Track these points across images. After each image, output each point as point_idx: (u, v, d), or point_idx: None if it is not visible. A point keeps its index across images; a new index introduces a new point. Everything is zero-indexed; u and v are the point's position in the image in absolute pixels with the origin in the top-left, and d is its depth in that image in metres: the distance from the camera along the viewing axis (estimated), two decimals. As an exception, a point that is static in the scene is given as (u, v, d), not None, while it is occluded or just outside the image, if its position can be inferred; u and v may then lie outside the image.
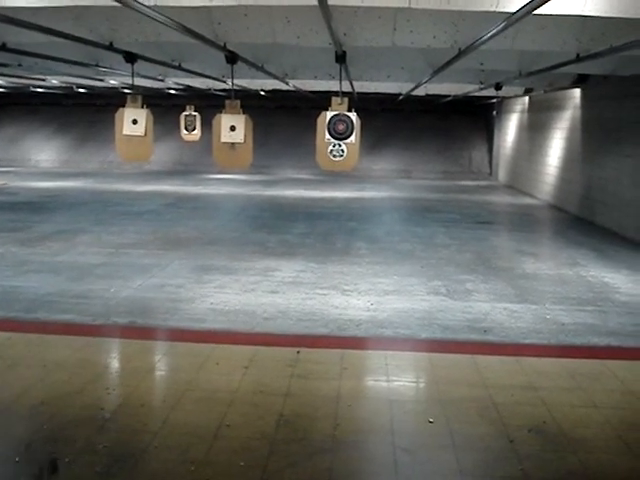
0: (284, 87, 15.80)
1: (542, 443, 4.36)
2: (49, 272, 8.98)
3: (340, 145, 7.78)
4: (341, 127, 7.78)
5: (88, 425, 4.47)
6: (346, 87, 14.14)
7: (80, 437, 4.29)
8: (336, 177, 22.68)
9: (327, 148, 7.81)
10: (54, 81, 16.63)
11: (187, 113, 14.29)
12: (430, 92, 17.16)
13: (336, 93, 8.25)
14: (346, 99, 8.00)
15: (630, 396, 5.12)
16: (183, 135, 14.41)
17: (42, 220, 13.30)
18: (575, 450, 4.27)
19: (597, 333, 6.92)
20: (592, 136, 14.86)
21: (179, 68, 10.76)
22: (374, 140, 24.84)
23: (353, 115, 7.87)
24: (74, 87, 19.56)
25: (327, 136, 7.81)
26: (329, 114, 7.88)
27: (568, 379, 5.44)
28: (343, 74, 9.32)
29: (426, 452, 4.23)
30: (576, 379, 5.43)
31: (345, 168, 7.99)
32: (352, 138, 7.82)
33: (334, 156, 7.79)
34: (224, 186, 20.83)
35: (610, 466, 4.11)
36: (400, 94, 18.76)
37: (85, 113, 27.17)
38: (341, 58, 8.18)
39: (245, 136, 8.28)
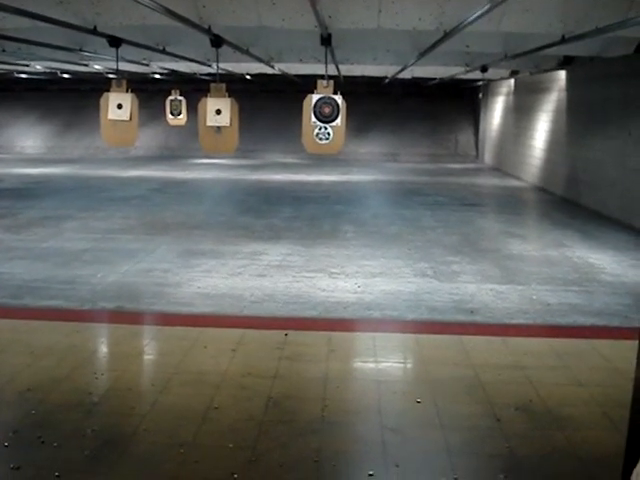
0: (270, 71, 15.73)
1: (528, 421, 4.40)
2: (36, 258, 8.95)
3: (326, 128, 7.76)
4: (327, 110, 7.76)
5: (76, 410, 4.47)
6: (332, 70, 14.10)
7: (68, 422, 4.29)
8: (322, 160, 22.65)
9: (313, 131, 7.79)
10: (38, 67, 16.50)
11: (173, 97, 14.23)
12: (416, 75, 17.14)
13: (322, 76, 8.23)
14: (332, 82, 7.95)
15: (615, 374, 5.17)
16: (169, 120, 14.37)
17: (28, 207, 13.23)
18: (561, 427, 4.31)
19: (582, 313, 6.98)
20: (577, 118, 14.90)
21: (164, 52, 10.68)
22: (360, 123, 24.78)
23: (339, 98, 7.84)
24: (58, 72, 19.42)
25: (313, 119, 7.79)
26: (315, 97, 7.86)
27: (554, 358, 5.49)
28: (329, 57, 9.29)
29: (414, 431, 4.26)
30: (562, 358, 5.48)
31: (331, 151, 7.97)
32: (338, 121, 7.79)
33: (320, 139, 7.78)
34: (210, 171, 20.77)
35: (595, 443, 4.16)
36: (386, 77, 18.73)
37: (70, 99, 26.92)
38: (326, 41, 8.15)
39: (231, 120, 8.25)
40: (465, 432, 4.26)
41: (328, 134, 7.79)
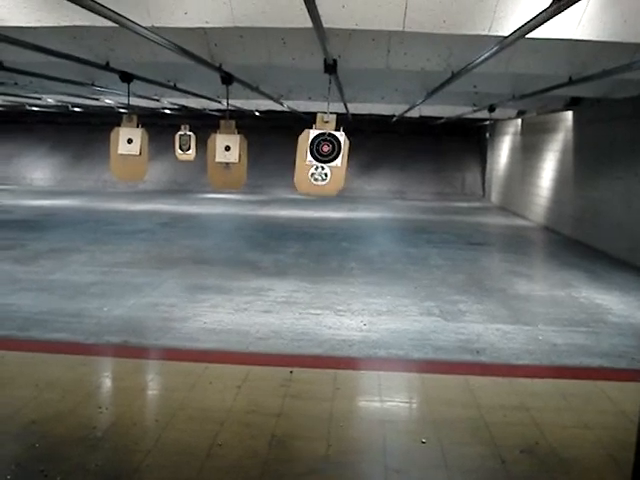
0: (278, 108, 15.88)
1: (534, 464, 4.37)
2: (42, 290, 8.97)
3: (323, 168, 6.79)
4: (326, 148, 6.79)
5: (80, 444, 4.45)
6: (340, 108, 14.23)
7: (72, 456, 4.28)
8: (329, 198, 22.69)
9: (308, 171, 6.81)
10: (50, 100, 16.68)
11: (182, 133, 14.31)
12: (424, 114, 17.25)
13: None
14: (334, 116, 6.92)
15: (621, 416, 5.13)
16: (178, 155, 14.42)
17: (36, 238, 13.30)
18: (567, 470, 4.28)
19: (589, 354, 6.94)
20: (584, 158, 14.96)
21: (174, 88, 10.81)
22: (368, 161, 24.93)
23: (341, 135, 6.80)
24: (69, 106, 19.60)
25: (309, 158, 6.80)
26: (312, 133, 6.83)
27: (560, 400, 5.46)
28: (337, 94, 9.35)
29: (418, 472, 4.23)
30: (568, 400, 5.45)
31: (328, 192, 6.93)
32: (338, 161, 6.78)
33: (315, 180, 6.78)
34: (218, 206, 20.85)
35: (602, 487, 4.12)
36: (394, 115, 18.86)
37: (80, 132, 27.19)
38: (331, 67, 7.38)
39: (240, 156, 8.31)
40: (470, 474, 4.23)
41: (325, 175, 6.82)
